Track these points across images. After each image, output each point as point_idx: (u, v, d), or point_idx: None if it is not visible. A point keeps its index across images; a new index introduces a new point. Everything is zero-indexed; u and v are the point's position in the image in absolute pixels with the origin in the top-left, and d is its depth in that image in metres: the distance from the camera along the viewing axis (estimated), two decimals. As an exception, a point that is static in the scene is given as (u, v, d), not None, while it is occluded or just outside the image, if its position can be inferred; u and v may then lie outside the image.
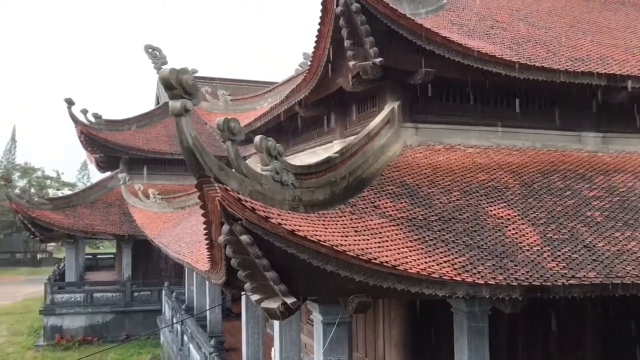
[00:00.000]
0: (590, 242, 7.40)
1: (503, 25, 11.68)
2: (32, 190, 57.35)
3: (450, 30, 10.38)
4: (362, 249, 5.91)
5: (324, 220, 6.57)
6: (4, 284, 43.86)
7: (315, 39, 9.24)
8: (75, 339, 24.74)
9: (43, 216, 26.05)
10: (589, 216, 8.10)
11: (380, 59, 8.25)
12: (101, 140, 27.53)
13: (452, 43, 8.81)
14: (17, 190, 29.90)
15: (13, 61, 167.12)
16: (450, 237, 7.00)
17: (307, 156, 12.75)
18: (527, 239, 7.25)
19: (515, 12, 12.70)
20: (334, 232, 6.26)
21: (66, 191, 57.48)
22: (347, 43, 8.47)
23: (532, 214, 7.95)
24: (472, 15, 11.79)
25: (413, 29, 8.62)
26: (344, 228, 6.52)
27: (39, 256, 58.00)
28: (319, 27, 9.01)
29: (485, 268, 6.43)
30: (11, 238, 57.89)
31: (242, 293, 10.42)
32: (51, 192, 55.68)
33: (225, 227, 5.43)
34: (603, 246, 7.34)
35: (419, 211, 7.48)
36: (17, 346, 24.57)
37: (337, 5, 8.28)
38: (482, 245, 6.96)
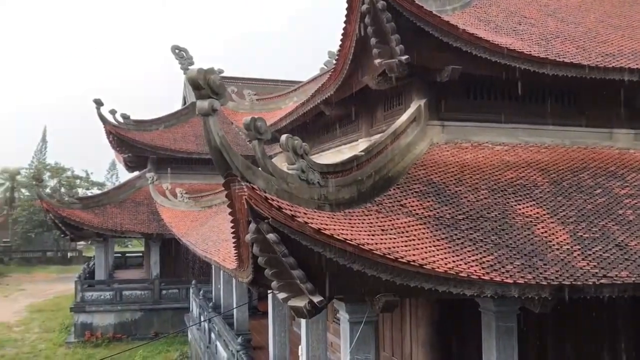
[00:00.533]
0: (622, 240, 7.26)
1: (531, 21, 11.51)
2: (63, 189, 58.43)
3: (477, 27, 10.27)
4: (389, 248, 5.88)
5: (350, 219, 6.56)
6: (36, 282, 44.79)
7: (341, 37, 9.23)
8: (105, 336, 25.09)
9: (73, 215, 26.51)
10: (620, 214, 7.94)
11: (407, 56, 8.20)
12: (129, 140, 27.88)
13: (479, 40, 8.71)
14: (48, 190, 30.50)
15: (43, 63, 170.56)
16: (478, 236, 6.93)
17: (332, 155, 12.75)
18: (557, 238, 7.14)
19: (544, 8, 12.50)
20: (360, 230, 6.25)
21: (95, 191, 58.47)
22: (372, 41, 8.44)
23: (561, 212, 7.83)
24: (500, 11, 11.64)
25: (439, 26, 8.54)
26: (371, 227, 6.50)
27: (69, 254, 59.03)
28: (344, 25, 9.00)
29: (514, 267, 6.36)
30: (42, 237, 59.00)
31: (269, 291, 10.48)
32: (81, 192, 56.69)
33: (252, 226, 5.46)
34: (636, 245, 7.18)
35: (446, 210, 7.42)
36: (49, 342, 25.06)
37: (363, 4, 8.25)
38: (511, 244, 6.88)
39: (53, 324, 28.40)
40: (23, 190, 65.03)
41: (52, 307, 32.99)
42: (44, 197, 27.57)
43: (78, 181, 63.25)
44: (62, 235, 32.42)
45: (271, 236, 5.36)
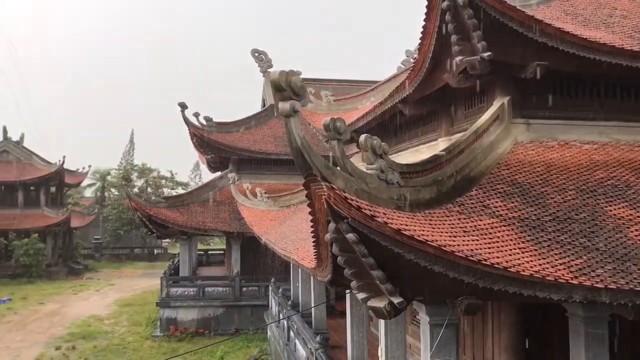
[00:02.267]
0: None
1: (623, 12, 10.91)
2: (149, 189, 61.29)
3: (564, 20, 9.86)
4: (472, 250, 5.75)
5: (430, 220, 6.47)
6: (124, 277, 47.05)
7: (420, 35, 9.11)
8: (188, 331, 25.87)
9: (159, 214, 27.63)
10: None
11: (489, 53, 7.98)
12: (212, 141, 28.76)
13: (566, 34, 8.35)
14: (135, 190, 32.02)
15: (129, 69, 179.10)
16: (565, 239, 6.65)
17: (410, 155, 12.61)
18: (653, 242, 6.72)
19: (637, -2, 11.82)
20: (441, 232, 6.14)
21: (180, 190, 60.76)
22: (453, 38, 8.28)
23: (658, 214, 7.37)
24: (588, 3, 11.11)
25: (523, 21, 8.26)
26: (452, 228, 6.38)
27: (155, 251, 61.63)
28: (424, 23, 8.88)
29: (605, 271, 6.05)
30: (130, 234, 62.01)
31: (348, 291, 10.51)
32: (166, 191, 59.20)
33: (332, 225, 5.49)
34: None
35: (532, 211, 7.17)
36: (136, 335, 26.19)
37: (444, 0, 8.11)
38: (601, 247, 6.54)
39: (140, 318, 29.68)
40: (113, 190, 68.60)
41: (139, 302, 34.49)
42: (132, 196, 29.01)
43: (163, 181, 65.98)
44: (149, 233, 33.96)
45: (350, 236, 5.37)
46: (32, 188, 48.95)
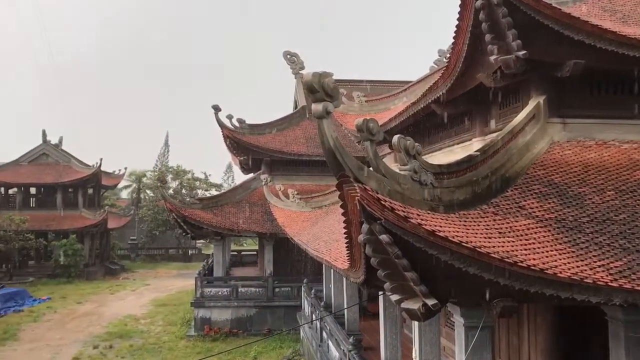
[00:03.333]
0: None
1: (664, 8, 10.61)
2: (184, 191, 62.15)
3: (602, 17, 9.65)
4: (507, 252, 5.67)
5: (465, 221, 6.40)
6: (160, 278, 47.73)
7: (454, 35, 9.03)
8: (222, 330, 26.08)
9: (194, 215, 27.97)
10: None
11: (524, 51, 7.86)
12: (245, 143, 28.97)
13: (604, 31, 8.17)
14: (170, 191, 32.46)
15: (163, 72, 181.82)
16: (604, 240, 6.50)
17: (444, 155, 12.49)
18: (697, 243, 6.52)
19: (678, -7, 11.48)
20: (476, 233, 6.07)
21: (213, 192, 61.37)
22: (487, 37, 8.18)
23: (702, 215, 7.14)
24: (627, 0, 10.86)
25: (560, 19, 8.12)
26: (487, 229, 6.30)
27: (189, 252, 62.36)
28: (457, 22, 8.80)
29: (647, 274, 5.89)
30: (165, 235, 62.87)
31: (381, 293, 10.46)
32: (200, 193, 59.96)
33: (365, 227, 5.48)
34: None
35: (569, 212, 7.03)
36: (171, 335, 26.54)
37: (477, -1, 8.03)
38: (642, 249, 6.38)
39: (175, 318, 30.06)
40: (148, 191, 69.70)
41: (174, 302, 34.94)
42: (167, 197, 29.45)
43: (198, 183, 66.80)
44: (184, 234, 34.39)
45: (384, 237, 5.35)
46: (70, 190, 50.10)
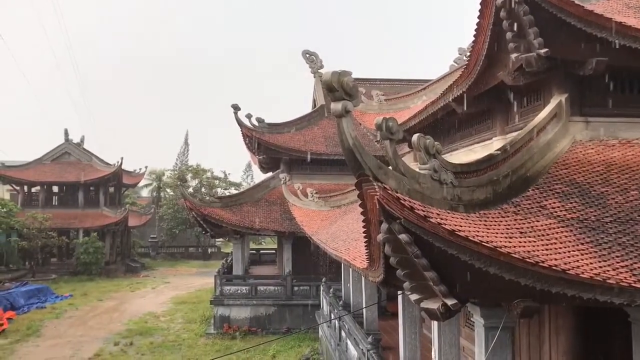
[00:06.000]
0: None
1: (690, 4, 10.41)
2: (203, 189, 62.56)
3: (626, 14, 9.49)
4: (528, 252, 5.61)
5: (485, 221, 6.34)
6: (179, 276, 48.13)
7: (474, 32, 8.96)
8: (241, 329, 26.19)
9: (213, 213, 28.11)
10: None
11: (546, 49, 7.78)
12: (264, 142, 29.08)
13: (628, 29, 8.04)
14: (190, 190, 32.67)
15: (183, 72, 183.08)
16: (628, 240, 6.40)
17: (464, 154, 12.40)
18: None
19: None
20: (496, 233, 6.02)
21: (233, 190, 61.77)
22: (509, 35, 8.11)
23: None
24: (652, -5, 10.66)
25: (582, 16, 8.01)
26: (508, 229, 6.24)
27: (209, 250, 62.80)
28: (477, 20, 8.73)
29: (671, 275, 5.79)
30: (185, 233, 63.42)
31: (400, 292, 10.42)
32: (219, 191, 60.31)
33: (384, 226, 5.46)
34: None
35: (592, 212, 6.93)
36: (191, 333, 26.73)
37: (498, -3, 7.96)
38: (667, 250, 6.27)
39: (194, 316, 30.27)
40: (168, 190, 70.35)
41: (193, 300, 35.19)
42: (187, 196, 29.63)
43: (217, 181, 67.21)
44: (203, 232, 34.61)
45: (403, 237, 5.33)
46: (91, 188, 50.79)
